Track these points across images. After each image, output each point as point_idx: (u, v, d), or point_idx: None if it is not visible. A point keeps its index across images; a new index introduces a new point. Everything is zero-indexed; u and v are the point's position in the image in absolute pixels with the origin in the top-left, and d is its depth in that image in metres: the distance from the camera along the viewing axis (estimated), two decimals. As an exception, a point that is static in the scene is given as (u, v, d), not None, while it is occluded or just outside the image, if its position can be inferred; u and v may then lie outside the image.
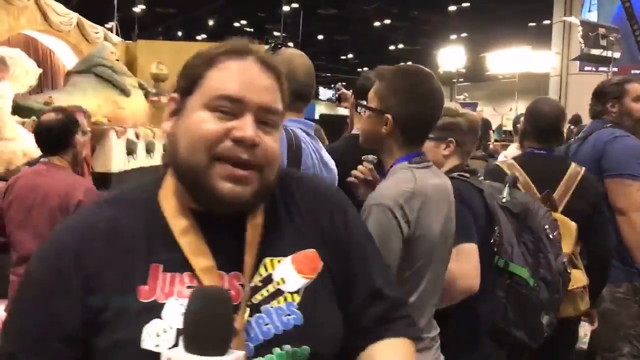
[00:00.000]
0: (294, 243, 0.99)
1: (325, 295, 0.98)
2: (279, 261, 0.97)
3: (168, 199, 0.97)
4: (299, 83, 1.90)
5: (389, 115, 1.66)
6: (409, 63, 1.81)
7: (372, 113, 1.71)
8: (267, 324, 0.92)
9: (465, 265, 1.82)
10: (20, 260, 2.81)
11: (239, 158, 0.92)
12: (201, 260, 0.92)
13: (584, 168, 2.58)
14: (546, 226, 2.10)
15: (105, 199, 1.01)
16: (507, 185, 2.18)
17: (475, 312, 1.99)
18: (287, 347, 0.91)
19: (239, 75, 0.95)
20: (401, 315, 1.05)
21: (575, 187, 2.48)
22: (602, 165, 2.75)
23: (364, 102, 2.85)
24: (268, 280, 0.95)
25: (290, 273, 0.96)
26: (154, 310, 0.88)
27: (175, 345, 0.85)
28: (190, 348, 0.78)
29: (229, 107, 0.93)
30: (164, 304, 0.89)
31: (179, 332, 0.85)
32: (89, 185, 2.88)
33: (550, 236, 2.08)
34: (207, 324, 0.79)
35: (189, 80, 0.97)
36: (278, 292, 0.94)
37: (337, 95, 3.11)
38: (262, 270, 0.95)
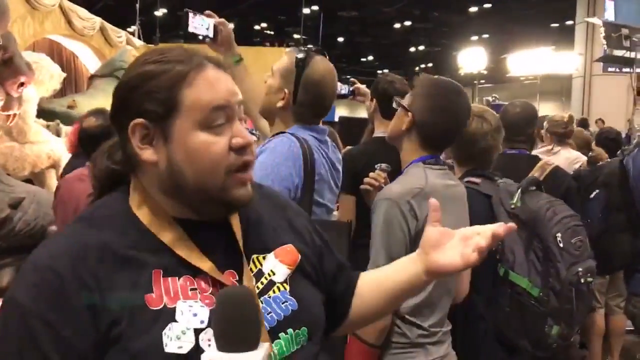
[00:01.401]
0: (272, 241, 1.08)
1: (307, 281, 1.09)
2: (264, 257, 1.05)
3: (144, 211, 0.98)
4: (325, 104, 1.92)
5: (410, 113, 1.78)
6: (448, 79, 1.89)
7: (400, 110, 1.83)
8: (269, 313, 0.99)
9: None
10: None
11: (247, 162, 0.98)
12: (204, 264, 0.96)
13: (554, 164, 2.68)
14: (558, 234, 1.99)
15: (79, 219, 1.00)
16: (520, 190, 2.10)
17: (484, 318, 2.04)
18: (290, 331, 1.00)
19: (216, 83, 0.97)
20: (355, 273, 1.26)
21: (544, 179, 2.47)
22: None
23: (386, 105, 2.89)
24: (260, 274, 1.03)
25: (276, 266, 1.05)
26: (168, 315, 0.91)
27: (196, 343, 0.89)
28: (225, 347, 0.81)
29: (221, 117, 0.96)
30: (174, 307, 0.92)
31: (196, 331, 0.90)
32: None
33: (561, 244, 1.98)
34: (240, 323, 0.82)
35: (165, 105, 0.95)
36: (271, 283, 1.03)
37: (351, 90, 3.08)
38: (252, 266, 1.03)
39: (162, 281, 0.93)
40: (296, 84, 1.85)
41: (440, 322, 1.79)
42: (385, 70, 28.66)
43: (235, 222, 1.04)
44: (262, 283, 1.01)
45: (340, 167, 2.02)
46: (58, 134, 6.60)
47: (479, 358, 2.06)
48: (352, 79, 3.13)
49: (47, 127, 6.53)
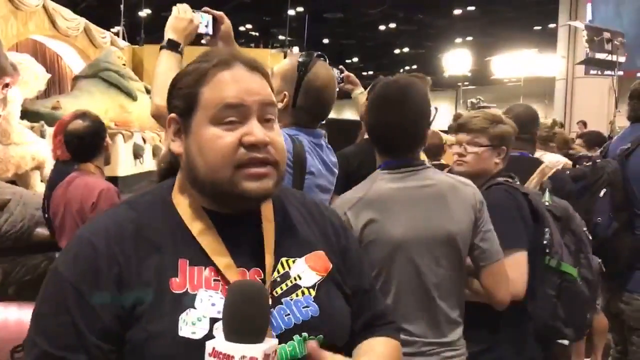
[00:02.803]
0: (305, 247, 1.08)
1: (336, 291, 1.08)
2: (293, 261, 1.06)
3: (182, 201, 1.05)
4: (325, 109, 1.94)
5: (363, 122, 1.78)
6: (399, 78, 1.85)
7: None
8: (287, 314, 1.00)
9: (513, 273, 1.85)
10: None
11: (256, 158, 1.00)
12: (221, 258, 0.99)
13: (557, 167, 2.74)
14: (584, 228, 2.22)
15: (125, 202, 1.08)
16: (547, 190, 2.21)
17: (525, 312, 2.01)
18: (305, 335, 1.00)
19: (233, 83, 1.01)
20: (387, 321, 1.18)
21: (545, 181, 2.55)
22: None
23: None
24: (286, 276, 1.04)
25: (305, 270, 1.05)
26: (188, 300, 0.95)
27: (210, 331, 0.93)
28: (231, 337, 0.85)
29: (234, 115, 1.00)
30: (195, 294, 0.96)
31: (212, 320, 0.94)
32: (104, 186, 2.81)
33: (590, 237, 2.20)
34: (248, 315, 0.86)
35: (186, 101, 1.02)
36: (296, 287, 1.03)
37: (341, 77, 3.09)
38: (280, 268, 1.04)
39: (187, 269, 0.98)
40: (297, 87, 1.87)
41: (425, 333, 1.68)
42: (370, 72, 28.64)
43: (269, 220, 1.07)
44: (286, 285, 1.03)
45: (336, 170, 2.02)
46: (42, 135, 6.57)
47: (517, 355, 2.01)
48: (340, 67, 3.14)
49: (32, 128, 6.49)
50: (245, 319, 0.86)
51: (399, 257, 1.67)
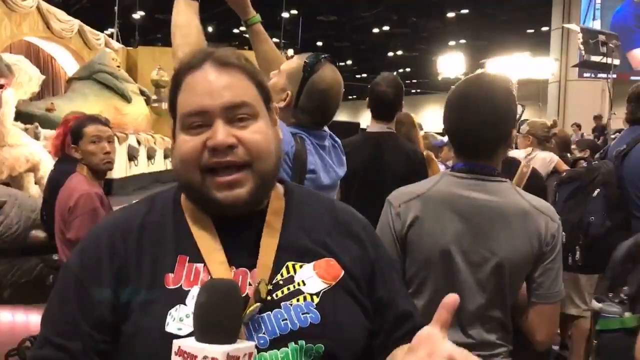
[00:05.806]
0: (316, 253, 1.03)
1: (345, 301, 1.02)
2: (300, 266, 1.01)
3: (188, 201, 1.04)
4: (327, 113, 1.91)
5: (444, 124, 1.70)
6: (472, 79, 1.68)
7: None
8: (284, 320, 0.95)
9: None
10: (61, 262, 2.85)
11: (220, 163, 0.97)
12: (213, 256, 0.98)
13: (532, 166, 2.80)
14: None
15: (146, 197, 1.11)
16: None
17: None
18: (302, 342, 0.94)
19: (197, 87, 1.00)
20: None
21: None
22: None
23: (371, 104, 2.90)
24: (289, 280, 0.99)
25: (311, 277, 1.00)
26: (179, 296, 0.94)
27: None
28: (200, 337, 0.83)
29: (198, 120, 0.99)
30: (188, 291, 0.95)
31: None
32: (83, 190, 2.73)
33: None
34: (214, 314, 0.83)
35: (171, 108, 1.04)
36: (298, 292, 0.98)
37: None
38: (284, 271, 1.00)
39: (186, 266, 0.98)
40: (300, 88, 1.84)
41: None
42: (364, 75, 28.70)
43: (273, 222, 1.03)
44: (288, 289, 0.98)
45: (340, 172, 1.99)
46: (37, 137, 6.54)
47: None
48: None
49: (25, 130, 6.46)
50: (213, 317, 0.83)
51: (437, 266, 1.58)
